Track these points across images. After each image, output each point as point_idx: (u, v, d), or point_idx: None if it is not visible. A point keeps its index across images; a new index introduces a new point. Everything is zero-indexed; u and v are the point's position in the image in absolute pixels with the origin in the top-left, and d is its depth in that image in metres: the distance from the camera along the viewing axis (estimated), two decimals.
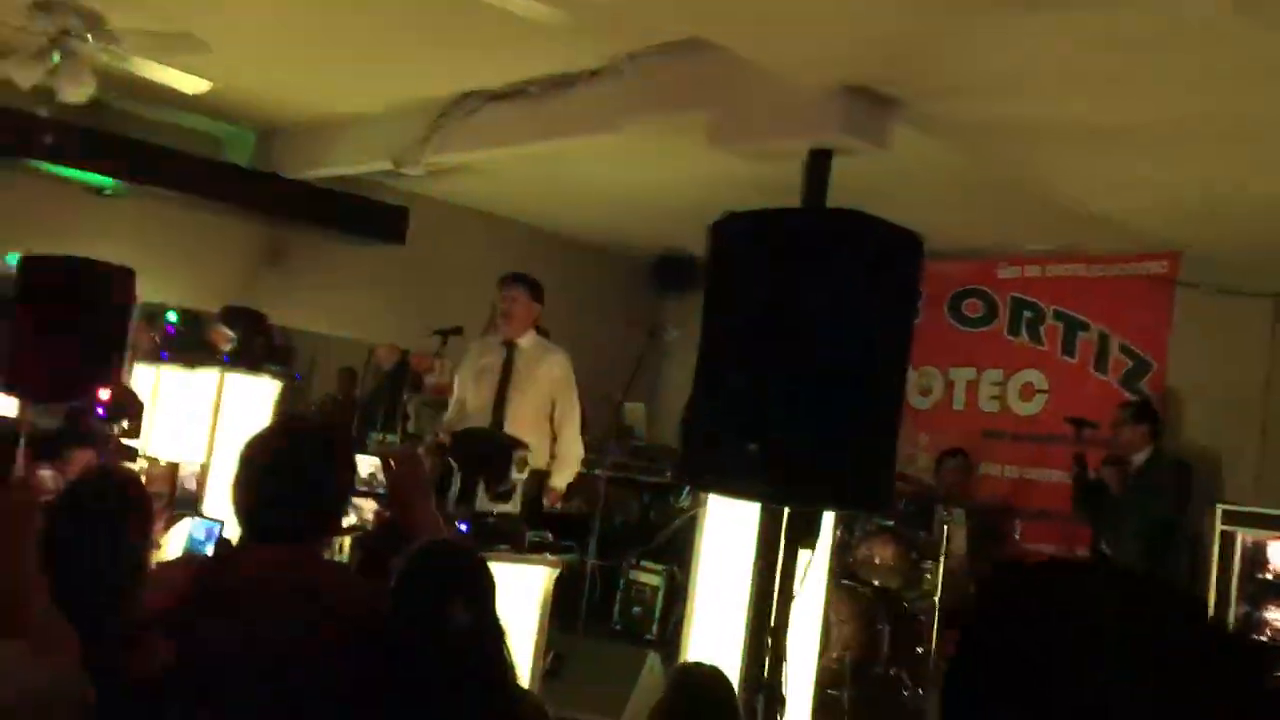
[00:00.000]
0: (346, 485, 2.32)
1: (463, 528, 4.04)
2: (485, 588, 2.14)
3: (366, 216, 7.19)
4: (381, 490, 4.26)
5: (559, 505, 5.87)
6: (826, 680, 5.88)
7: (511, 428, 5.48)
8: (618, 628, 7.03)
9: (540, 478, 5.46)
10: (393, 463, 2.79)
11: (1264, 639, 5.55)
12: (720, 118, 4.57)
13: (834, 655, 6.54)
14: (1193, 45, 3.61)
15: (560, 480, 5.69)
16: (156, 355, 6.69)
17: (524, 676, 3.83)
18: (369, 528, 4.39)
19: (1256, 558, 5.61)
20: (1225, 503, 5.72)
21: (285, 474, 2.15)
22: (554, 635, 5.23)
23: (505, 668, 2.10)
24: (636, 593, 7.04)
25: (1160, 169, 4.88)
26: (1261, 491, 6.34)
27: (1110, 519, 6.32)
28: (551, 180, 7.15)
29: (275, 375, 6.08)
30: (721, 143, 4.58)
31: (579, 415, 5.82)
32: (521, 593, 4.09)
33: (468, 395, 5.67)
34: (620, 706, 4.81)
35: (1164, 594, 0.91)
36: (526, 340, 5.62)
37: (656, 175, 6.58)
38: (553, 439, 5.65)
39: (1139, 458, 6.31)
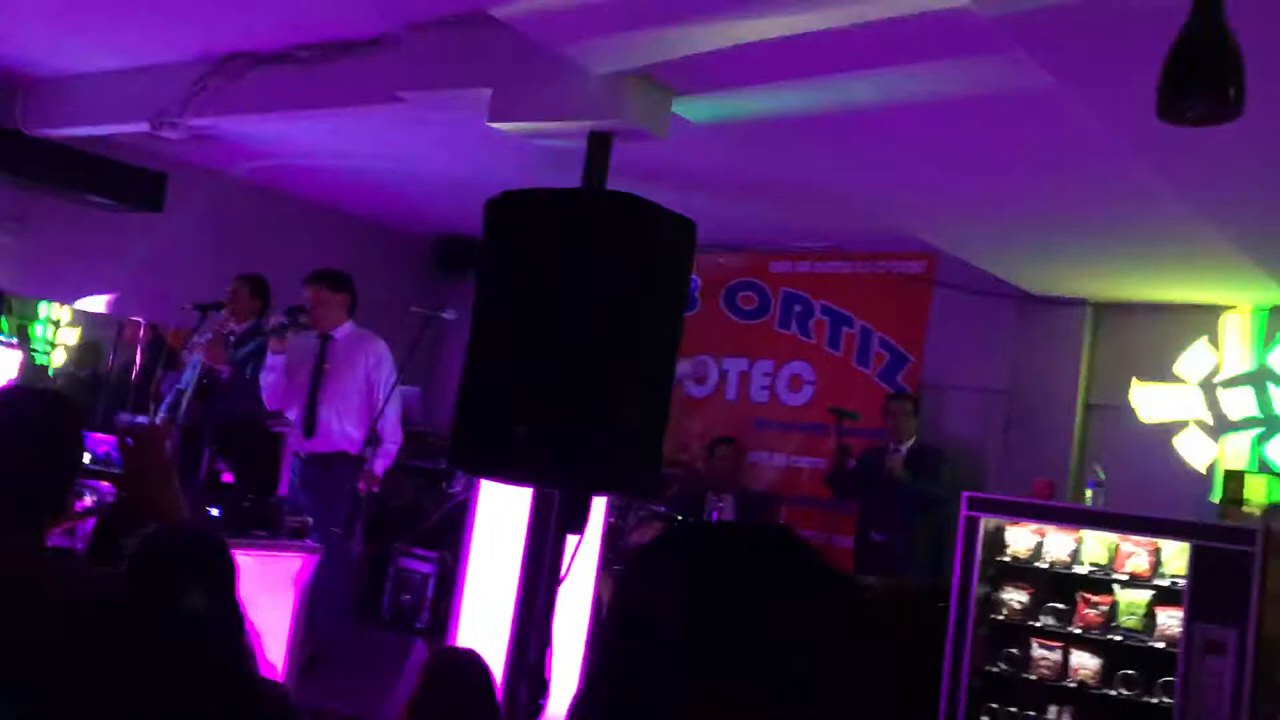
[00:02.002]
0: (72, 463, 2.13)
1: (214, 512, 3.83)
2: (223, 572, 2.01)
3: (119, 181, 6.71)
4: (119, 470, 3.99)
5: (376, 490, 5.97)
6: None
7: (326, 418, 5.67)
8: (387, 616, 6.86)
9: (358, 464, 5.66)
10: (130, 441, 2.60)
11: (1000, 617, 5.95)
12: (501, 95, 4.49)
13: None
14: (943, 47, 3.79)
15: (379, 466, 5.85)
16: None
17: (276, 667, 3.66)
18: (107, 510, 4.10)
19: (996, 541, 6.00)
20: (969, 490, 6.09)
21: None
22: (317, 625, 5.06)
23: (242, 656, 1.98)
24: (406, 580, 6.88)
25: (916, 172, 5.12)
26: (1004, 481, 6.80)
27: (882, 504, 6.61)
28: (325, 152, 6.87)
29: (11, 349, 5.63)
30: (501, 121, 4.50)
31: (398, 403, 5.94)
32: (278, 580, 3.91)
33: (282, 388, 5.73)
34: (383, 697, 4.67)
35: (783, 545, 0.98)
36: (341, 332, 5.81)
37: (437, 152, 6.43)
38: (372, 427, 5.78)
39: (905, 446, 6.67)
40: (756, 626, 0.90)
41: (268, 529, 3.97)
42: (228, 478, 4.49)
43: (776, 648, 0.89)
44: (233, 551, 2.16)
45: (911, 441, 6.73)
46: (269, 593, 3.75)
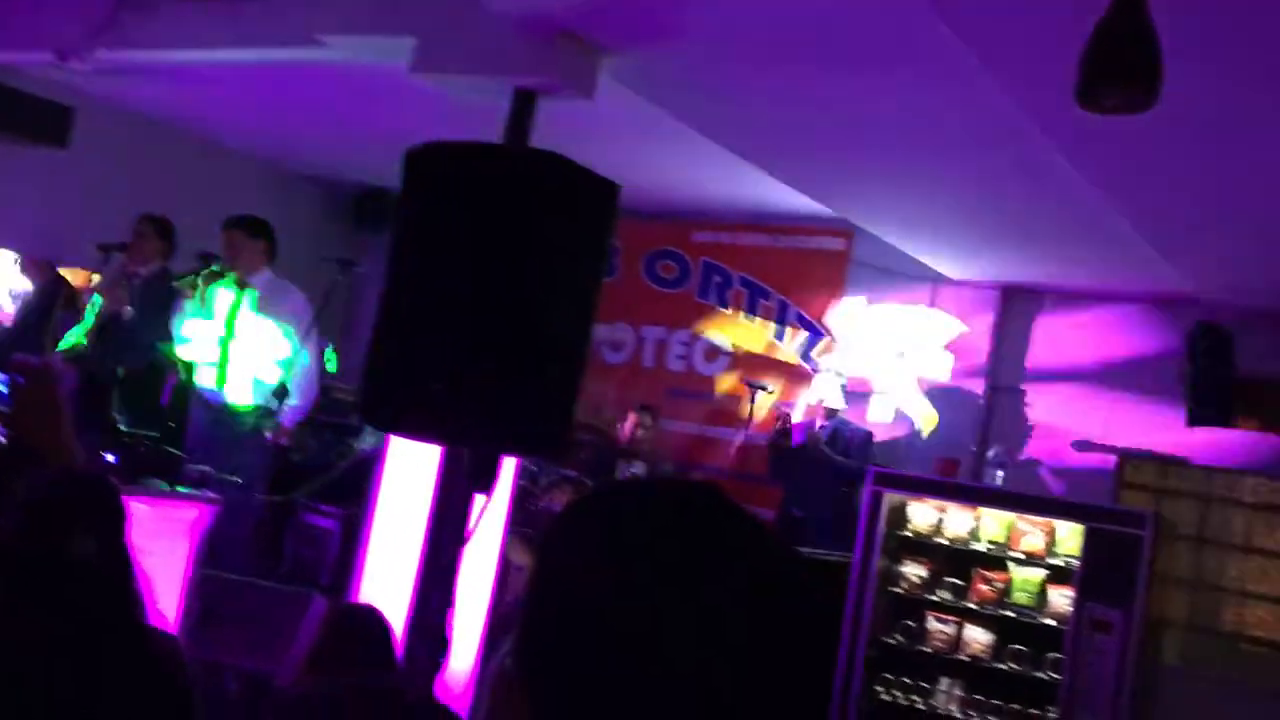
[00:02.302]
0: None
1: (110, 457, 3.72)
2: (112, 518, 1.95)
3: (23, 113, 6.43)
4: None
5: (285, 441, 5.83)
6: (504, 625, 5.93)
7: (240, 368, 5.50)
8: (289, 571, 6.76)
9: (269, 415, 5.56)
10: (21, 379, 2.51)
11: (899, 590, 6.08)
12: (425, 45, 4.39)
13: (511, 600, 6.59)
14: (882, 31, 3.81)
15: (289, 418, 5.74)
16: None
17: (168, 617, 3.58)
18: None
19: (899, 517, 6.11)
20: (866, 462, 6.19)
21: None
22: (216, 576, 4.95)
23: (130, 602, 1.92)
24: (310, 535, 6.78)
25: (839, 148, 5.16)
26: (915, 459, 6.93)
27: (801, 478, 6.67)
28: (243, 96, 6.67)
29: None
30: (425, 71, 4.41)
31: (315, 356, 5.86)
32: (174, 530, 3.82)
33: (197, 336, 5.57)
34: (280, 651, 4.60)
35: (717, 507, 0.92)
36: (259, 279, 5.63)
37: (359, 100, 6.28)
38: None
39: (830, 423, 6.71)
40: (689, 596, 0.84)
41: (165, 477, 3.86)
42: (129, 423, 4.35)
43: (714, 619, 0.84)
44: (124, 499, 2.10)
45: (836, 418, 6.78)
46: (165, 542, 3.66)
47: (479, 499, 3.68)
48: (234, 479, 5.13)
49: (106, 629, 1.92)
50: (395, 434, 4.36)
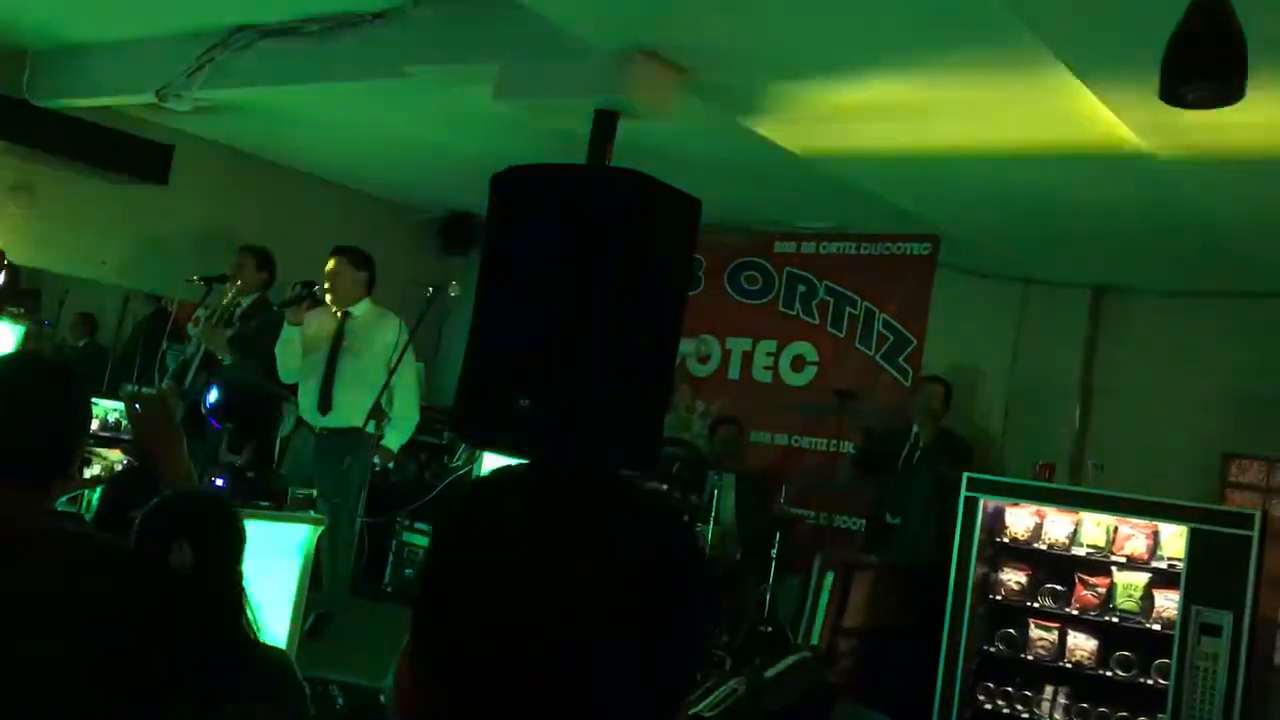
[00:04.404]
0: (78, 426, 2.15)
1: (219, 482, 3.87)
2: (222, 535, 2.04)
3: (126, 153, 6.71)
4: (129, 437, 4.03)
5: (392, 465, 6.00)
6: None
7: (343, 395, 5.65)
8: (389, 589, 6.91)
9: (373, 440, 5.67)
10: (139, 406, 2.63)
11: (998, 597, 5.98)
12: (507, 70, 4.49)
13: None
14: (954, 38, 3.79)
15: (394, 442, 5.87)
16: None
17: (280, 635, 3.70)
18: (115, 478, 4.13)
19: (996, 523, 6.03)
20: (970, 471, 6.10)
21: (3, 406, 1.98)
22: (320, 595, 5.09)
23: (236, 617, 2.01)
24: (409, 554, 6.93)
25: (925, 152, 5.12)
26: (1004, 463, 6.83)
27: (898, 486, 6.57)
28: (332, 127, 6.87)
29: (18, 318, 5.67)
30: (507, 96, 4.50)
31: (416, 380, 5.97)
32: (281, 550, 3.94)
33: (299, 363, 5.72)
34: (384, 668, 4.70)
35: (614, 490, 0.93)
36: (360, 309, 5.80)
37: (444, 128, 6.43)
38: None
39: (926, 431, 6.62)
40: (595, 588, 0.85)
41: (272, 500, 4.00)
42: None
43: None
44: (239, 520, 2.19)
45: (936, 427, 6.65)
46: (272, 562, 3.78)
47: None
48: (337, 500, 5.28)
49: (222, 646, 2.00)
50: (487, 451, 4.46)
